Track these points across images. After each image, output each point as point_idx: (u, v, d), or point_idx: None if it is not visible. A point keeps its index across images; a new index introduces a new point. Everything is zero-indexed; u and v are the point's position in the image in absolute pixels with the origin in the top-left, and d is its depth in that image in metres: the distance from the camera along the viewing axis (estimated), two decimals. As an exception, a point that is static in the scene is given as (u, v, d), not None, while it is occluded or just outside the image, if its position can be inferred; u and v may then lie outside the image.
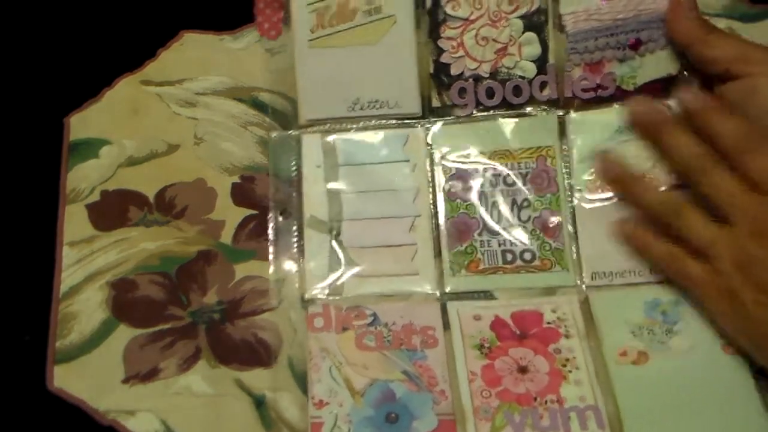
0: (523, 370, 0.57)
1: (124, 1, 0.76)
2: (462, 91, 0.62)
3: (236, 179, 0.66)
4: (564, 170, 0.63)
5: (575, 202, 0.62)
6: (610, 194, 0.62)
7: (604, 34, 0.61)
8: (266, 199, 0.65)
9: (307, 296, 0.60)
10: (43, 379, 0.58)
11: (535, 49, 0.62)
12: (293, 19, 0.63)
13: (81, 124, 0.68)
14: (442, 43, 0.62)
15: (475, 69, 0.62)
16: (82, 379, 0.58)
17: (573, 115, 0.63)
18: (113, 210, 0.64)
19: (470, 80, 0.62)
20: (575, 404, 0.56)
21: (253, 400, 0.57)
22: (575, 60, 0.62)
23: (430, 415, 0.55)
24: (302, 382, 0.58)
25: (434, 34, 0.62)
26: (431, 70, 0.63)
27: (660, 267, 0.60)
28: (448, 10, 0.62)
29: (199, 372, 0.58)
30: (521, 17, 0.62)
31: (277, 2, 0.66)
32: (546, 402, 0.56)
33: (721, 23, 0.75)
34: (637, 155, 0.61)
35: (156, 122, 0.68)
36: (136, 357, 0.59)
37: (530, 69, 0.62)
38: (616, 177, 0.61)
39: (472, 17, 0.62)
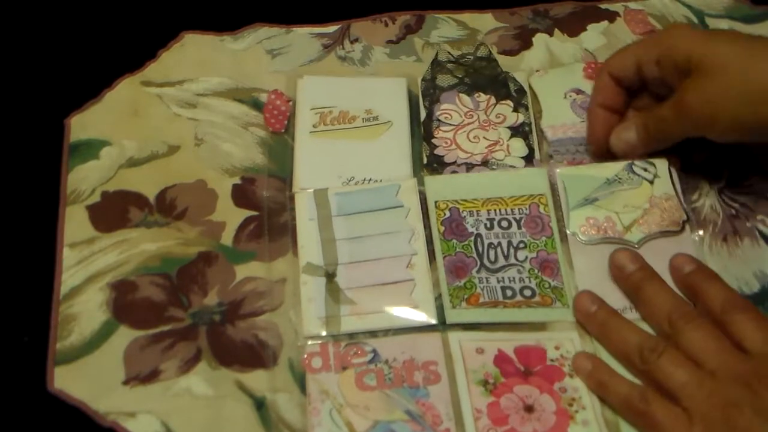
0: (529, 409, 0.56)
1: (124, 1, 0.76)
2: (454, 173, 0.66)
3: (237, 180, 0.66)
4: (557, 216, 0.64)
5: (570, 243, 0.63)
6: (603, 235, 0.63)
7: (582, 142, 0.68)
8: (266, 201, 0.65)
9: (305, 335, 0.59)
10: (44, 380, 0.58)
11: (522, 150, 0.67)
12: (297, 117, 0.69)
13: (81, 125, 0.68)
14: (435, 141, 0.68)
15: (467, 158, 0.67)
16: (83, 381, 0.58)
17: (561, 170, 0.66)
18: (114, 211, 0.64)
19: (462, 165, 0.66)
20: None
21: (253, 401, 0.57)
22: (558, 159, 0.67)
23: None
24: (303, 383, 0.58)
25: (428, 136, 0.68)
26: (425, 161, 0.67)
27: (618, 409, 0.56)
28: (441, 118, 0.69)
29: (199, 373, 0.58)
30: (508, 128, 0.68)
31: (284, 104, 0.69)
32: None
33: (723, 24, 0.75)
34: (626, 205, 0.63)
35: (156, 123, 0.68)
36: (137, 358, 0.58)
37: (519, 163, 0.67)
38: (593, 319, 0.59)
39: (463, 123, 0.68)
